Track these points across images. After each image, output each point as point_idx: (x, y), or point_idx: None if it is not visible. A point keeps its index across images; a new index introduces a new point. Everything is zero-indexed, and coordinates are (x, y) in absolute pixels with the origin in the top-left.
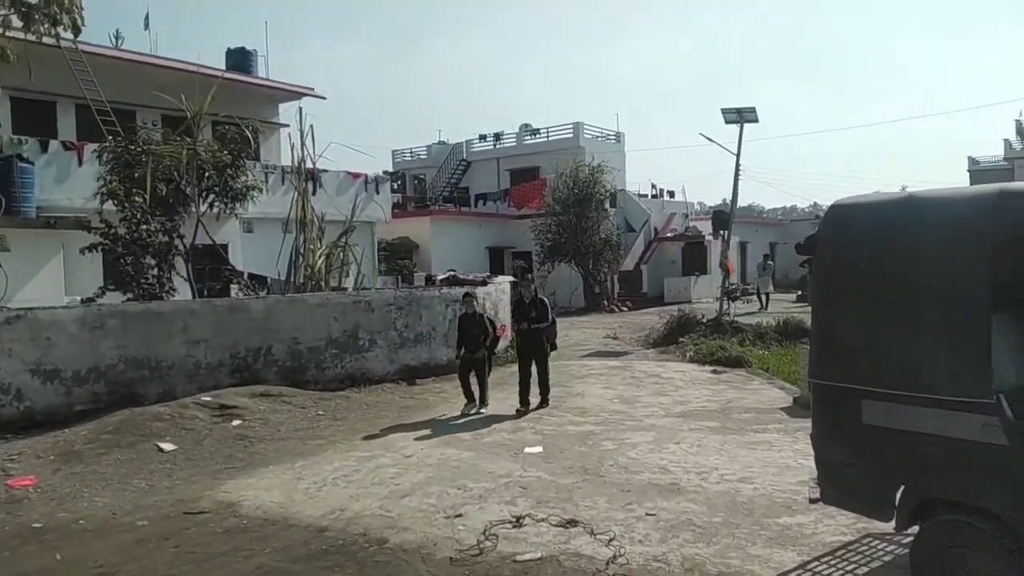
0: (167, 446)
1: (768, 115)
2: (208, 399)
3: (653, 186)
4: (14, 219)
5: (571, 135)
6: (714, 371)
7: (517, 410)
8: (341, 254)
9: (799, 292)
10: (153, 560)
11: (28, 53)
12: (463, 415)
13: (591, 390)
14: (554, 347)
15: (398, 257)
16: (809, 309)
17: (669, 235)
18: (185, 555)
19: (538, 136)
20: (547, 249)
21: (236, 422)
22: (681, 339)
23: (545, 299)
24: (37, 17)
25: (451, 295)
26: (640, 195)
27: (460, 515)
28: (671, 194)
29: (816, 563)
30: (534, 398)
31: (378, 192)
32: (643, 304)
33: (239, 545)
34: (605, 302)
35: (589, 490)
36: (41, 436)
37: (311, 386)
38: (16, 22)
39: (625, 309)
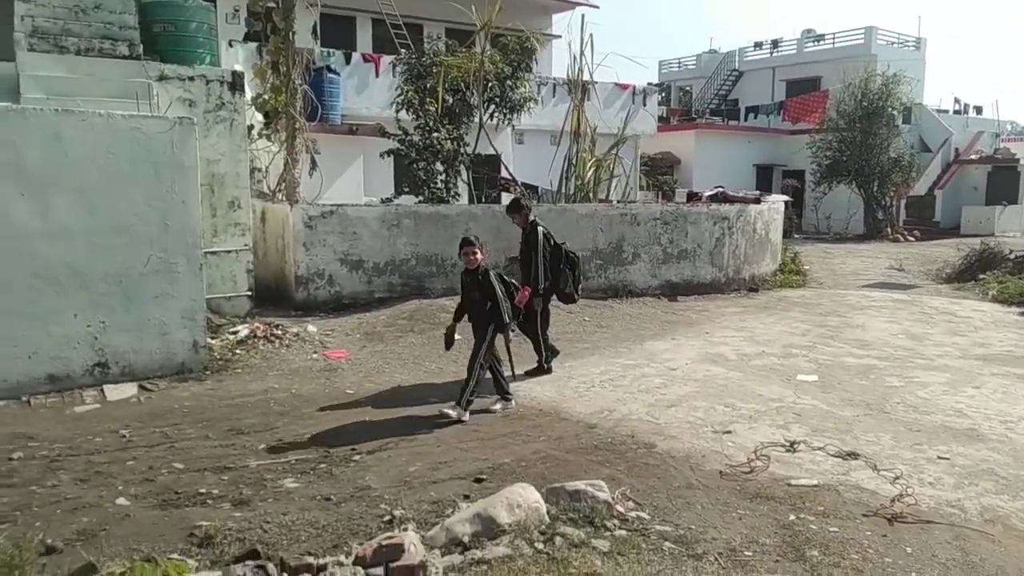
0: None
1: None
2: None
3: (956, 100)
4: (324, 125)
5: (861, 41)
6: (1022, 313)
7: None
8: (610, 166)
9: None
10: (444, 432)
11: None
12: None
13: (872, 323)
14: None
15: (659, 172)
16: None
17: (973, 157)
18: (471, 432)
19: (822, 43)
20: (824, 168)
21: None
22: (982, 276)
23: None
24: None
25: (719, 212)
26: (940, 111)
27: (729, 432)
28: (978, 110)
29: None
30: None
31: (645, 104)
32: (934, 235)
33: (517, 430)
34: (888, 229)
35: (871, 425)
36: (347, 317)
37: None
38: None
39: (912, 239)
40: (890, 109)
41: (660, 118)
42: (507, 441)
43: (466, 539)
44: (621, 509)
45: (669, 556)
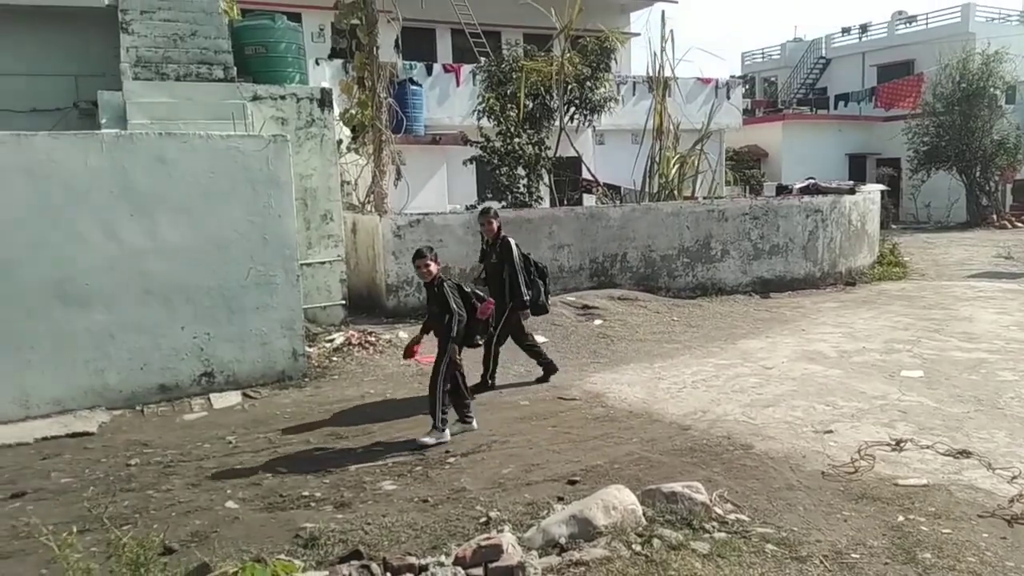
0: (540, 338)
1: None
2: (572, 299)
3: None
4: (408, 136)
5: (958, 19)
6: None
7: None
8: (695, 162)
9: None
10: (536, 435)
11: None
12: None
13: (980, 315)
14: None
15: (746, 166)
16: None
17: None
18: (562, 434)
19: (914, 24)
20: (921, 155)
21: (597, 321)
22: None
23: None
24: None
25: (812, 205)
26: None
27: (830, 431)
28: None
29: None
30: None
31: (728, 98)
32: None
33: (608, 432)
34: (994, 216)
35: (983, 421)
36: None
37: (662, 293)
38: None
39: (1020, 225)
40: (992, 89)
41: (745, 111)
42: (599, 444)
43: (563, 540)
44: (720, 511)
45: (771, 559)
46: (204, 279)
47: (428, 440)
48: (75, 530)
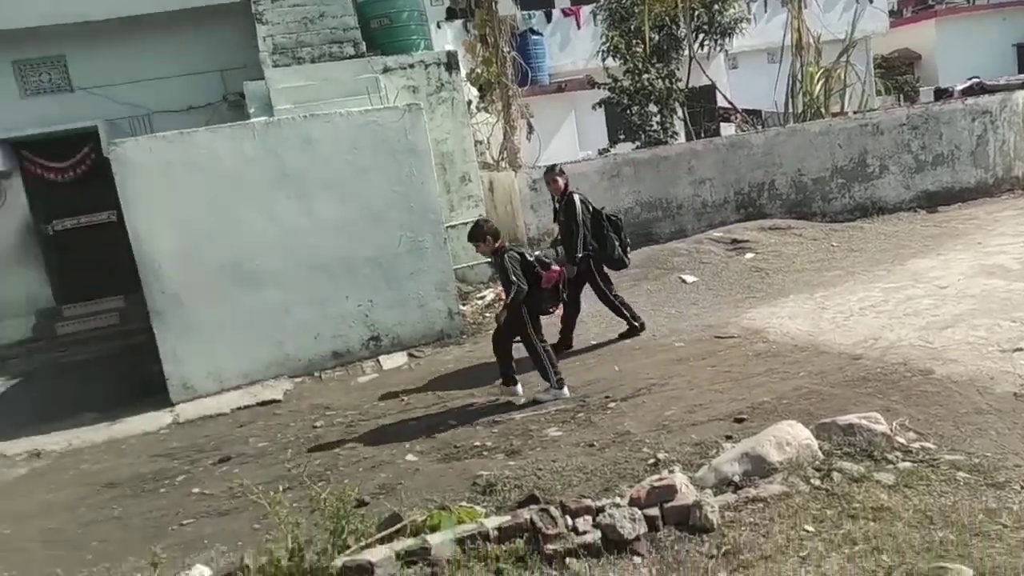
0: (689, 278)
1: None
2: (719, 235)
3: None
4: (534, 88)
5: None
6: None
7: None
8: (841, 76)
9: None
10: (695, 376)
11: None
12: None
13: None
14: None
15: (897, 73)
16: None
17: None
18: (722, 373)
19: None
20: None
21: (749, 255)
22: None
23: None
24: None
25: (978, 106)
26: None
27: (1020, 349)
28: None
29: None
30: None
31: (871, 1)
32: None
33: (772, 368)
34: None
35: None
36: None
37: (817, 218)
38: None
39: None
40: None
41: (891, 12)
42: (763, 380)
43: (736, 478)
44: (902, 440)
45: (964, 486)
46: (361, 250)
47: (546, 397)
48: (281, 488)
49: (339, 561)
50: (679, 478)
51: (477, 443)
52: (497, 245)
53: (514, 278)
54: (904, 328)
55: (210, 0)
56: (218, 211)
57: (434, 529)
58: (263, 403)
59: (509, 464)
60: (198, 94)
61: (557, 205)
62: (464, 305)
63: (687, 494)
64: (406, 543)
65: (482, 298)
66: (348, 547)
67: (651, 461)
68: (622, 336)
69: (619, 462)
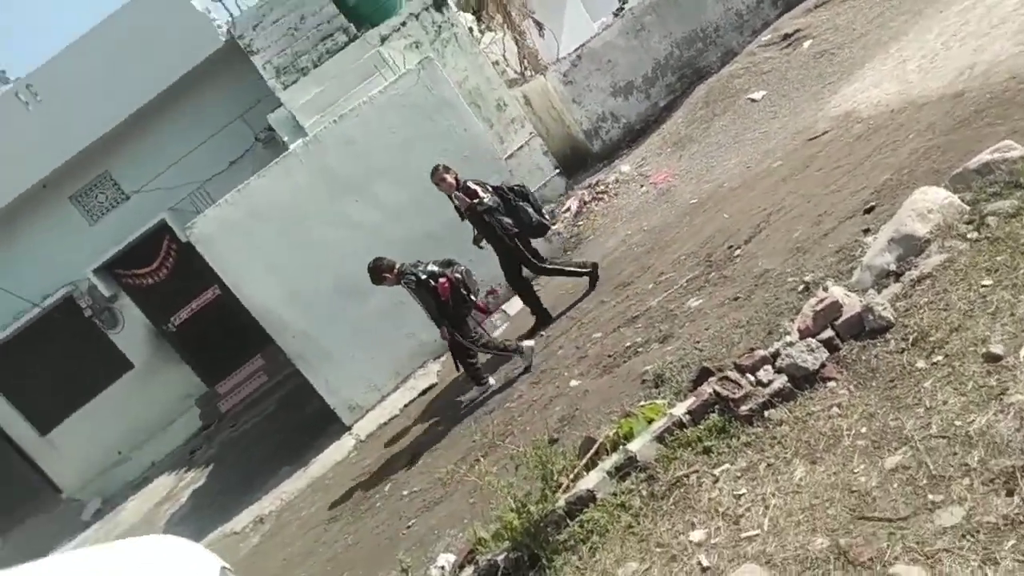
0: (757, 94)
1: None
2: (767, 37)
3: None
4: None
5: None
6: None
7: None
8: None
9: None
10: (803, 187)
11: None
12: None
13: None
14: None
15: None
16: None
17: None
18: (832, 172)
19: None
20: None
21: (807, 43)
22: None
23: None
24: None
25: None
26: None
27: None
28: None
29: None
30: None
31: None
32: None
33: (879, 144)
34: None
35: None
36: (648, 140)
37: None
38: None
39: None
40: None
41: None
42: (876, 160)
43: (892, 267)
44: None
45: None
46: (438, 218)
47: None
48: (480, 457)
49: (561, 501)
50: (837, 292)
51: (628, 344)
52: (397, 270)
53: (422, 305)
54: (997, 41)
55: (195, 60)
56: (300, 243)
57: (629, 438)
58: (423, 392)
59: (667, 350)
60: (232, 147)
61: (456, 203)
62: (555, 224)
63: (852, 303)
64: (612, 460)
65: (567, 211)
66: (561, 485)
67: (800, 288)
68: (588, 291)
69: (770, 303)
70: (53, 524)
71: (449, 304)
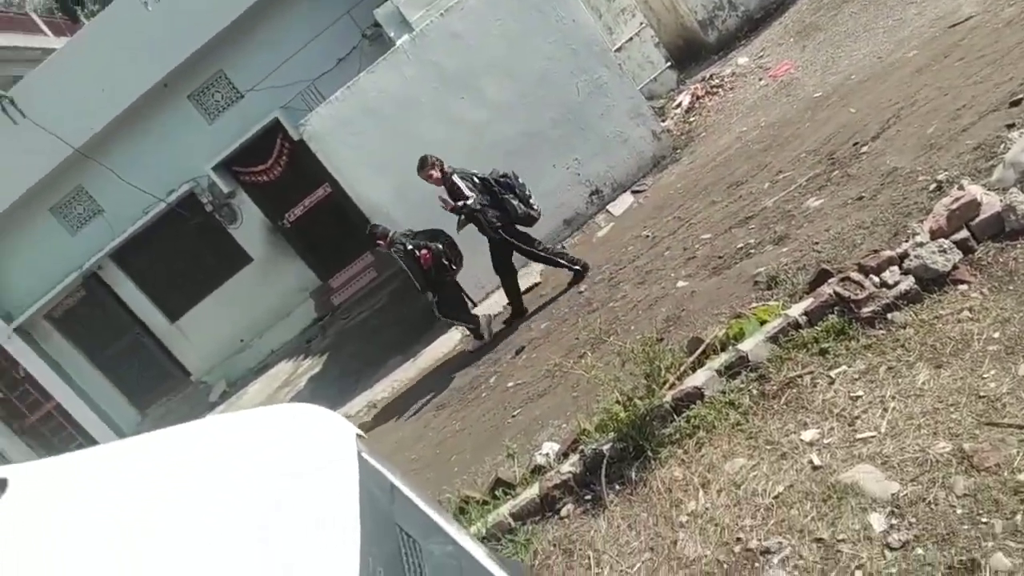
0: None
1: None
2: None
3: None
4: None
5: None
6: None
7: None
8: None
9: None
10: (944, 78)
11: None
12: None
13: None
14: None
15: None
16: None
17: None
18: (975, 62)
19: None
20: None
21: None
22: None
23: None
24: None
25: None
26: None
27: None
28: None
29: None
30: None
31: None
32: None
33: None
34: None
35: None
36: (769, 29)
37: None
38: None
39: None
40: None
41: None
42: (1022, 48)
43: None
44: None
45: None
46: (545, 115)
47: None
48: (587, 351)
49: (668, 396)
50: (975, 190)
51: (739, 245)
52: (389, 239)
53: (408, 272)
54: None
55: None
56: (408, 139)
57: (739, 338)
58: (527, 290)
59: (782, 252)
60: (340, 44)
61: (441, 205)
62: (664, 121)
63: (991, 202)
64: (721, 359)
65: (678, 106)
66: (667, 382)
67: (932, 187)
68: (571, 284)
69: (897, 202)
70: (184, 404)
71: (432, 272)
